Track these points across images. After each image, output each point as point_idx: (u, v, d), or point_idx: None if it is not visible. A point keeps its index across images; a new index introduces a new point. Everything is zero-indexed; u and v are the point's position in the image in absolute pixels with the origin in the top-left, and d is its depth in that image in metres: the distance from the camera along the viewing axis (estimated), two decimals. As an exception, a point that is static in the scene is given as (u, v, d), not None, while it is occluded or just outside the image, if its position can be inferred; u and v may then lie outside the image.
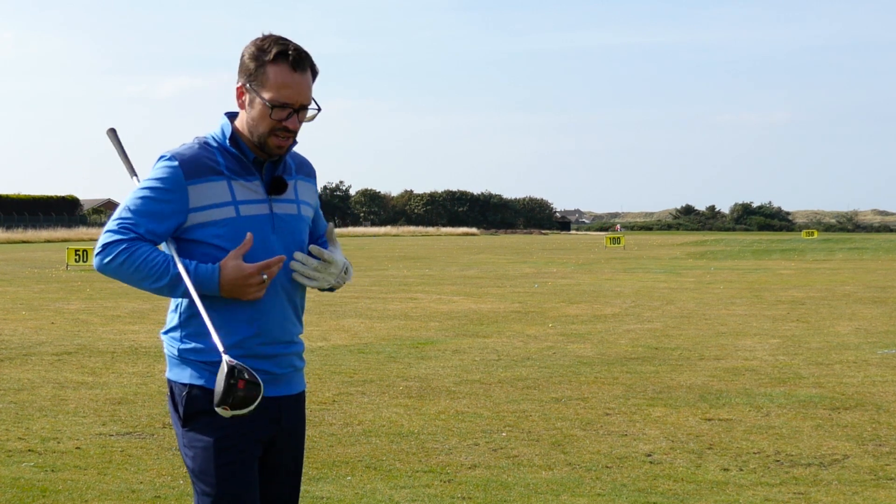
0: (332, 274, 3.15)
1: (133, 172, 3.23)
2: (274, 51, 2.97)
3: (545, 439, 7.34)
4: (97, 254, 2.99)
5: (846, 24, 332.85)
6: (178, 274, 2.94)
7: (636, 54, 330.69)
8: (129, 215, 2.99)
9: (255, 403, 2.82)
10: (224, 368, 2.81)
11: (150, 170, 3.05)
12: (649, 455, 6.89)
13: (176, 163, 3.00)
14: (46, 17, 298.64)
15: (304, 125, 3.10)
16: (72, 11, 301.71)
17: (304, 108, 3.04)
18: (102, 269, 2.99)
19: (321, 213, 3.37)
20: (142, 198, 3.00)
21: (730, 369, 10.64)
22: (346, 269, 3.19)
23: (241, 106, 3.06)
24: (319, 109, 3.08)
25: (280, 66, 2.97)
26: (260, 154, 3.09)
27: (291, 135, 3.05)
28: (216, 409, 2.83)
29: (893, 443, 7.26)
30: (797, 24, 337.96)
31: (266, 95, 2.98)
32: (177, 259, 2.96)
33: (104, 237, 2.99)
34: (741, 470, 6.51)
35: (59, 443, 7.16)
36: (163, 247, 3.06)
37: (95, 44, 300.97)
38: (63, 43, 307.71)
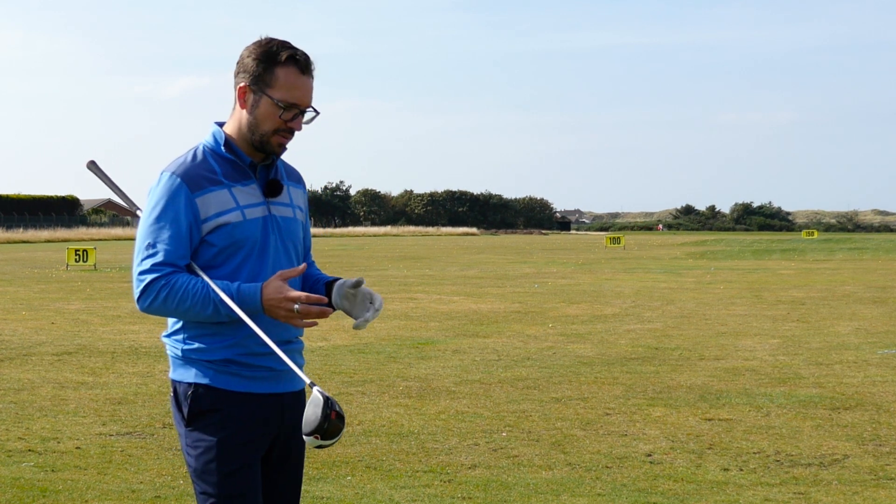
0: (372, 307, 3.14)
1: (132, 204, 3.25)
2: (285, 54, 3.05)
3: (545, 439, 7.35)
4: (138, 298, 3.03)
5: (846, 24, 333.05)
6: (220, 298, 2.98)
7: (636, 54, 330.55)
8: (154, 250, 3.02)
9: (340, 435, 2.87)
10: (319, 399, 2.83)
11: (153, 190, 3.07)
12: (649, 455, 6.89)
13: (179, 178, 3.04)
14: (53, 17, 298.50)
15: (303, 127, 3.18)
16: (78, 12, 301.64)
17: (306, 110, 3.11)
18: (147, 310, 3.04)
19: (309, 224, 3.39)
20: (159, 227, 3.02)
21: (730, 369, 10.65)
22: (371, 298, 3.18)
23: (243, 106, 3.10)
24: (318, 113, 3.15)
25: (290, 68, 3.05)
26: (254, 156, 3.14)
27: (292, 135, 3.12)
28: (305, 437, 2.84)
29: (893, 443, 7.26)
30: (796, 25, 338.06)
31: (276, 95, 3.04)
32: (212, 283, 2.99)
33: (140, 280, 3.02)
34: (741, 470, 6.51)
35: (59, 443, 7.17)
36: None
37: (101, 44, 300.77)
38: (69, 43, 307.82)
